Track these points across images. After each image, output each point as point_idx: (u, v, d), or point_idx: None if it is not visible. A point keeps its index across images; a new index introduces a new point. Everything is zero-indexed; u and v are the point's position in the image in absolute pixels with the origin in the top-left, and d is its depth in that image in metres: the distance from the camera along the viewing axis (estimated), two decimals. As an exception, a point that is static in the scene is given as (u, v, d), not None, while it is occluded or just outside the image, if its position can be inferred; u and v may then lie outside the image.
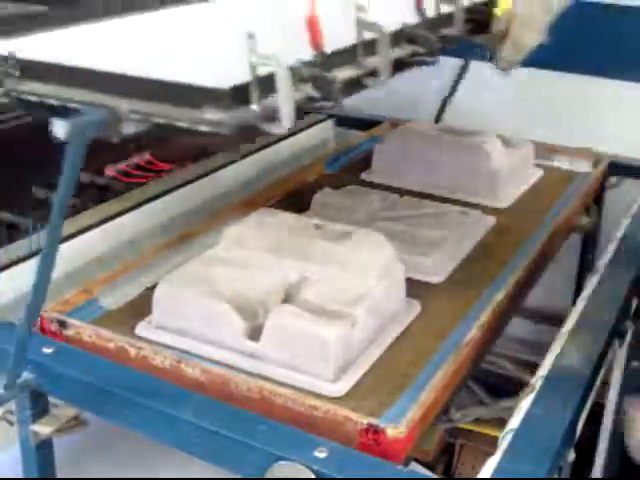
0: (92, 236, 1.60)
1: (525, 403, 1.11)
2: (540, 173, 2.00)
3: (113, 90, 1.02)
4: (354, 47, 1.14)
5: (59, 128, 0.94)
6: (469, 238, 1.60)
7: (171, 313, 1.25)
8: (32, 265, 1.50)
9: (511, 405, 1.16)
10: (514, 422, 1.07)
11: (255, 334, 1.19)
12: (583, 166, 2.03)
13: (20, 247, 1.53)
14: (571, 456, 1.12)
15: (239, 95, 0.94)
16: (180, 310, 1.24)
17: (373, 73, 1.15)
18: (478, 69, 2.11)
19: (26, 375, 1.16)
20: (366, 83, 1.15)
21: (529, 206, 1.81)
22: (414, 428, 1.06)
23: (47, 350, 1.20)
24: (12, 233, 1.71)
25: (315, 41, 1.04)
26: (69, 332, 1.26)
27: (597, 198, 2.02)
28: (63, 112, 1.03)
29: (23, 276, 1.47)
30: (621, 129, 2.22)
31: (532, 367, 1.29)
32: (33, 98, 1.07)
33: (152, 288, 1.30)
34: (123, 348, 1.22)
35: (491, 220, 1.70)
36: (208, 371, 1.15)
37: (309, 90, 1.01)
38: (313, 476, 0.97)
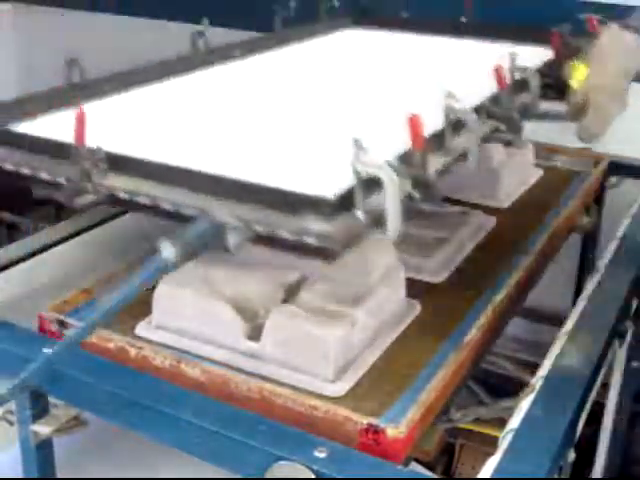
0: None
1: (525, 403, 1.11)
2: (540, 173, 2.00)
3: (208, 191, 0.98)
4: (442, 132, 1.13)
5: (167, 252, 0.92)
6: (469, 238, 1.59)
7: (171, 313, 1.25)
8: (31, 265, 1.52)
9: (511, 405, 1.16)
10: (514, 422, 1.07)
11: (255, 334, 1.19)
12: (583, 166, 2.03)
13: (20, 247, 1.53)
14: (571, 456, 1.12)
15: (344, 203, 0.92)
16: (180, 310, 1.24)
17: (460, 157, 1.15)
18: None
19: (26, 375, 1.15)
20: (453, 169, 1.15)
21: (529, 206, 1.81)
22: (414, 428, 1.06)
23: (47, 350, 1.19)
24: (12, 233, 1.71)
25: (416, 139, 1.03)
26: (69, 332, 1.26)
27: (597, 198, 2.02)
28: (155, 211, 1.01)
29: (23, 276, 1.48)
30: (621, 129, 2.22)
31: (532, 367, 1.29)
32: (123, 195, 1.05)
33: (152, 288, 1.30)
34: (123, 348, 1.22)
35: (491, 220, 1.69)
36: (208, 371, 1.15)
37: (409, 189, 0.99)
38: (313, 476, 0.97)
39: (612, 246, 1.61)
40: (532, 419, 1.08)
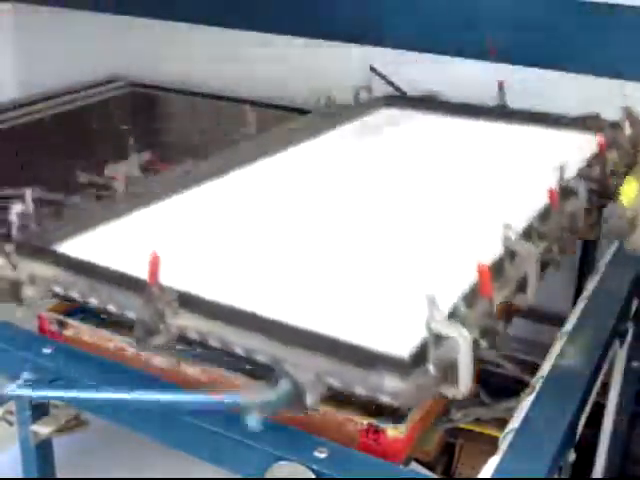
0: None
1: (525, 403, 1.11)
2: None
3: (279, 339, 0.97)
4: (501, 263, 1.13)
5: (252, 423, 0.93)
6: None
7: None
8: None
9: (511, 405, 1.16)
10: (514, 422, 1.07)
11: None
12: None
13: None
14: (571, 456, 1.12)
15: (417, 360, 0.93)
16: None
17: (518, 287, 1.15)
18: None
19: (26, 375, 1.15)
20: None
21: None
22: (414, 428, 1.06)
23: (46, 350, 1.19)
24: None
25: (484, 288, 1.03)
26: (69, 332, 1.26)
27: (597, 198, 2.02)
28: (227, 353, 1.01)
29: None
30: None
31: (532, 367, 1.29)
32: (195, 336, 1.03)
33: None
34: (123, 348, 1.21)
35: (491, 220, 1.69)
36: (208, 371, 1.15)
37: (477, 336, 0.99)
38: (313, 476, 0.97)
39: (612, 246, 1.61)
40: (532, 419, 1.08)
